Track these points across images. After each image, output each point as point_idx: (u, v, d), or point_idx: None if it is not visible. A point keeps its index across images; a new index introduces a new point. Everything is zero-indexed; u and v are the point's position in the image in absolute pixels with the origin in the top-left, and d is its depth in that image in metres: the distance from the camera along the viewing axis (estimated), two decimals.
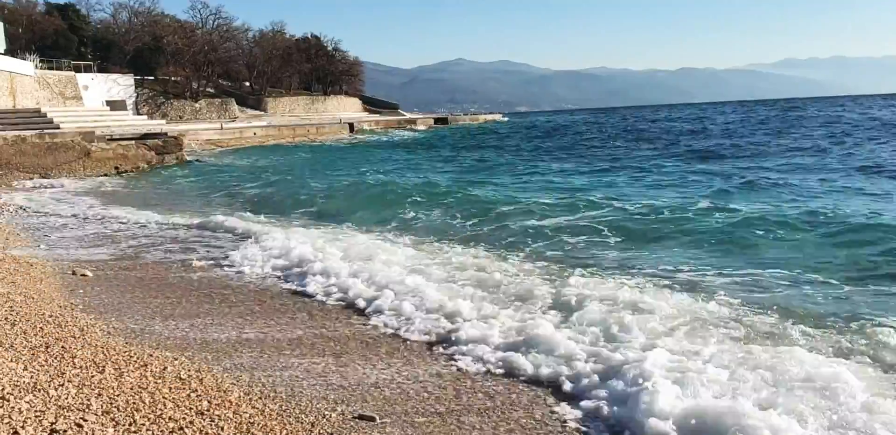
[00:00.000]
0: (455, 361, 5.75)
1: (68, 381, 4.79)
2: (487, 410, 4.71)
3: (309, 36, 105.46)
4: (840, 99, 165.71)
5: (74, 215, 15.73)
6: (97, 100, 58.73)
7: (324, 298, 8.03)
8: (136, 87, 68.91)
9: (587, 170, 25.08)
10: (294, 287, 8.63)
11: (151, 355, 5.62)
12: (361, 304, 7.59)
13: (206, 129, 55.98)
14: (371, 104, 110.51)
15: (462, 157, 35.48)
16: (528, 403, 4.85)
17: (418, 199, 16.25)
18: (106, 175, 27.43)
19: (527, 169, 26.23)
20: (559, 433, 4.40)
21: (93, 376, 4.95)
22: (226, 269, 9.80)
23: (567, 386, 5.04)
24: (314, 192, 19.71)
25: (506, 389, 5.10)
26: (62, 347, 5.65)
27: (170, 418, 4.31)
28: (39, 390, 4.55)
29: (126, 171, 28.38)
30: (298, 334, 6.59)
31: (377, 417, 4.58)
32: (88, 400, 4.46)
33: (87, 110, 45.98)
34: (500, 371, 5.46)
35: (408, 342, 6.32)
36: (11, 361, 5.12)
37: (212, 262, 10.30)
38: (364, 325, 6.95)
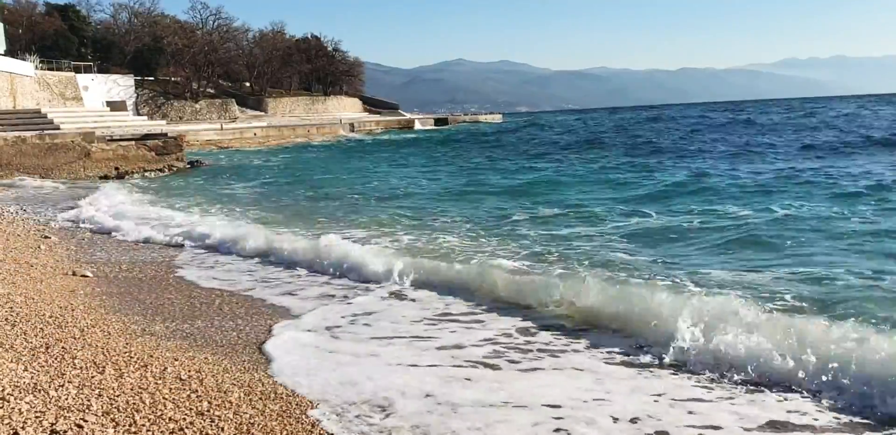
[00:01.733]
0: None
1: (68, 381, 4.79)
2: None
3: (309, 36, 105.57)
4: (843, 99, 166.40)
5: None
6: (97, 100, 58.78)
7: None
8: (136, 88, 69.03)
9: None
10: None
11: (152, 356, 5.62)
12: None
13: (207, 129, 56.07)
14: (371, 104, 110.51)
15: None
16: None
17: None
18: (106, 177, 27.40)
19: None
20: None
21: (93, 377, 4.95)
22: (224, 270, 9.81)
23: None
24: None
25: None
26: (62, 347, 5.65)
27: (170, 419, 4.31)
28: (40, 391, 4.55)
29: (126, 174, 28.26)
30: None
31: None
32: (89, 401, 4.46)
33: (88, 111, 46.00)
34: None
35: None
36: (12, 361, 5.12)
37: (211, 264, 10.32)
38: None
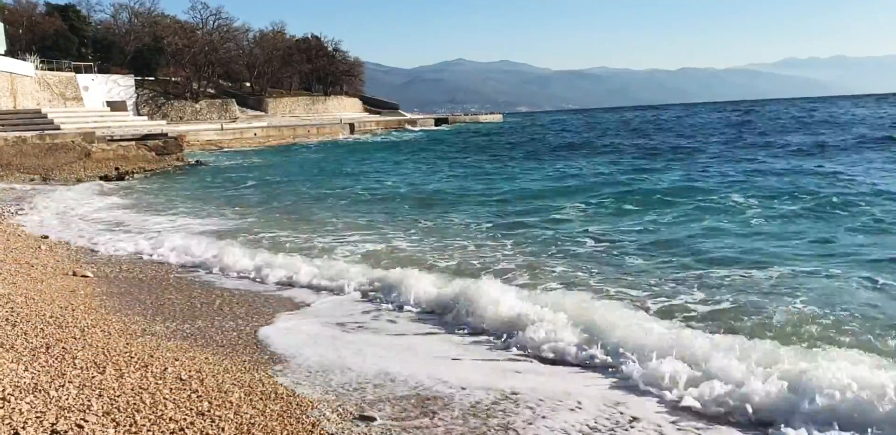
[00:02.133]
0: None
1: (69, 381, 4.79)
2: None
3: (309, 36, 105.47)
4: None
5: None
6: (98, 100, 58.75)
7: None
8: (136, 88, 68.97)
9: None
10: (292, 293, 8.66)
11: (152, 356, 5.62)
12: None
13: (207, 129, 56.00)
14: (371, 104, 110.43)
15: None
16: None
17: None
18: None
19: None
20: None
21: (93, 377, 4.95)
22: (223, 272, 9.81)
23: None
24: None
25: None
26: (63, 347, 5.65)
27: (170, 419, 4.31)
28: (40, 391, 4.55)
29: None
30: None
31: (377, 417, 4.59)
32: (89, 401, 4.47)
33: (88, 111, 46.02)
34: None
35: None
36: (12, 361, 5.12)
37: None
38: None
